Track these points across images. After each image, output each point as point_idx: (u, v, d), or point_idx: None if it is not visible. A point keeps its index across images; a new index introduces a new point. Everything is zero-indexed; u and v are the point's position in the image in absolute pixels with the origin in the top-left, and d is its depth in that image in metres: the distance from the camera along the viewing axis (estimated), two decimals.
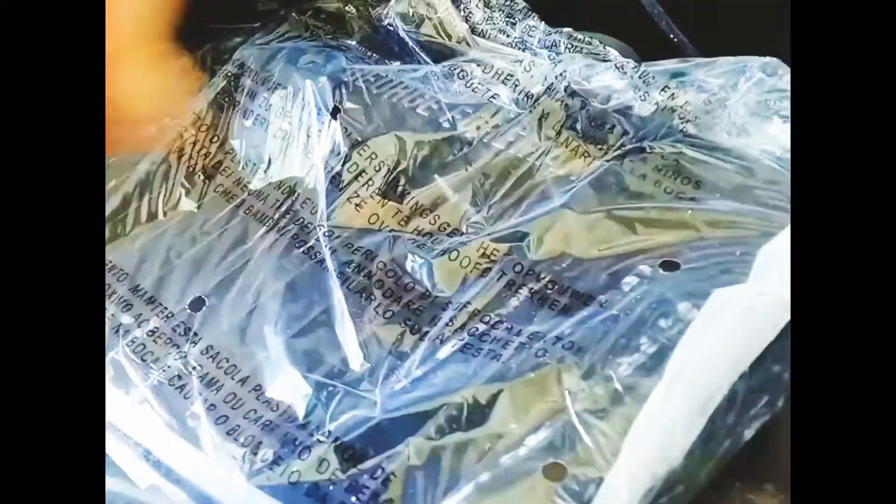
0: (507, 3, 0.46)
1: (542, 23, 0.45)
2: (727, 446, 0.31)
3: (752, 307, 0.31)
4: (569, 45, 0.44)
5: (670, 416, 0.29)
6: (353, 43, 0.46)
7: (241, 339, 0.34)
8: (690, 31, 0.45)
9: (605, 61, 0.41)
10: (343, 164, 0.38)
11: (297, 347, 0.33)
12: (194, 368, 0.33)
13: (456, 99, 0.41)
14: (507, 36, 0.45)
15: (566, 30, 0.45)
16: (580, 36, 0.44)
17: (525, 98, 0.40)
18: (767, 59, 0.40)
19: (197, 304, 0.35)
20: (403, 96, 0.41)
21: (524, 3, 0.46)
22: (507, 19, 0.46)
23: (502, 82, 0.41)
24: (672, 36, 0.45)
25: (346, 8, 0.47)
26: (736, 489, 0.33)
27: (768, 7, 0.45)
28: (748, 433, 0.32)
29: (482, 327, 0.33)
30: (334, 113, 0.40)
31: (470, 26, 0.46)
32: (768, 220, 0.35)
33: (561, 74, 0.40)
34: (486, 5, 0.46)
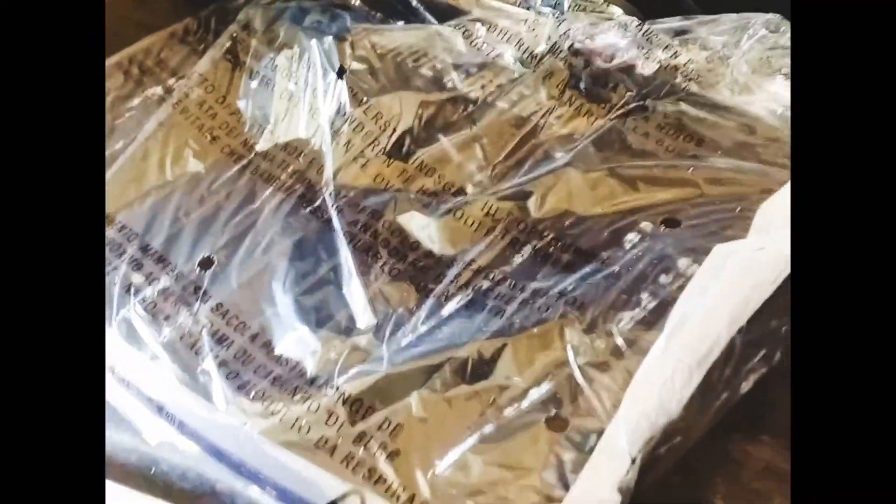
0: None
1: None
2: (724, 398, 0.31)
3: (751, 262, 0.31)
4: (573, 4, 0.44)
5: (669, 369, 0.29)
6: (357, 2, 0.46)
7: (250, 297, 0.34)
8: None
9: (608, 20, 0.41)
10: (348, 124, 0.38)
11: (306, 304, 0.34)
12: (205, 326, 0.33)
13: (460, 59, 0.41)
14: None
15: None
16: None
17: (529, 57, 0.41)
18: (770, 15, 0.40)
19: (206, 262, 0.35)
20: (408, 56, 0.41)
21: None
22: None
23: (506, 41, 0.41)
24: None
25: None
26: (733, 440, 0.34)
27: None
28: (745, 386, 0.32)
29: (486, 284, 0.33)
30: (340, 73, 0.40)
31: None
32: (768, 176, 0.35)
33: (565, 34, 0.40)
34: None
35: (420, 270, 0.34)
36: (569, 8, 0.44)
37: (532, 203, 0.35)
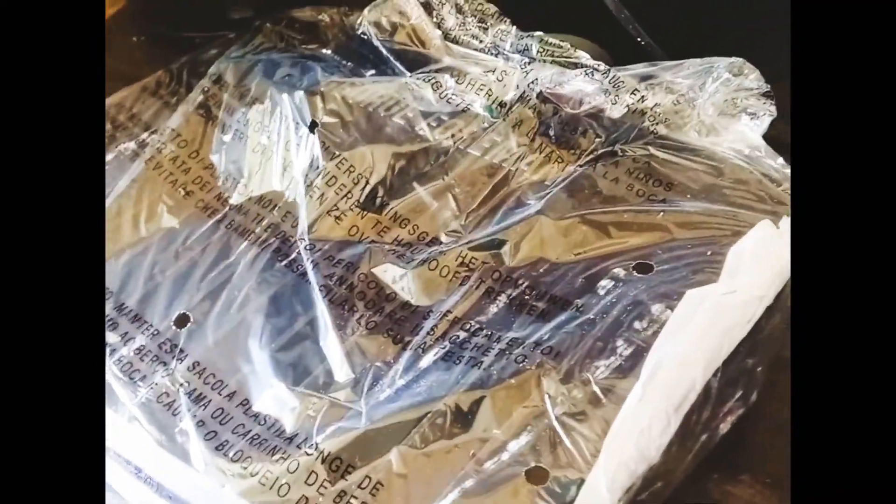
0: (479, 8, 0.46)
1: (514, 27, 0.46)
2: (703, 440, 0.32)
3: (722, 306, 0.31)
4: (540, 49, 0.44)
5: (647, 416, 0.29)
6: (328, 52, 0.46)
7: (226, 354, 0.34)
8: (658, 34, 0.46)
9: (575, 67, 0.42)
10: (322, 178, 0.38)
11: (283, 360, 0.33)
12: (182, 385, 0.33)
13: (430, 108, 0.41)
14: (480, 41, 0.45)
15: (537, 33, 0.45)
16: (551, 39, 0.45)
17: (499, 106, 0.41)
18: (733, 59, 0.41)
19: (182, 320, 0.35)
20: (378, 107, 0.41)
21: (495, 8, 0.46)
22: (479, 24, 0.46)
23: (476, 91, 0.41)
24: (640, 39, 0.45)
25: (320, 17, 0.48)
26: (713, 481, 0.34)
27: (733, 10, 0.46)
28: (724, 427, 0.33)
29: (463, 335, 0.33)
30: (312, 127, 0.40)
31: (443, 32, 0.46)
32: (737, 218, 0.35)
33: (533, 82, 0.41)
34: (459, 11, 0.46)
35: (397, 322, 0.34)
36: (538, 53, 0.44)
37: (506, 251, 0.35)
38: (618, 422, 0.29)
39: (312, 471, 0.30)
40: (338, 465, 0.30)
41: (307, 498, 0.29)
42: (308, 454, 0.30)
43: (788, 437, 0.30)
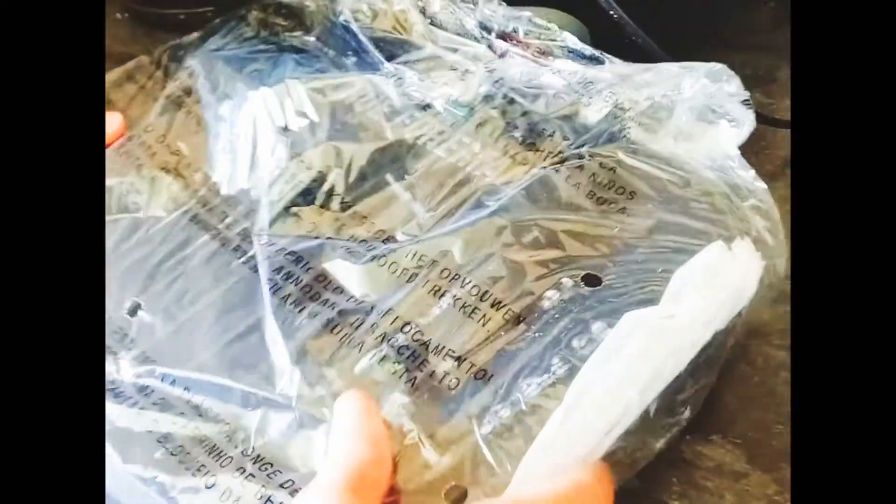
0: None
1: (502, 7, 0.44)
2: (636, 457, 0.31)
3: (661, 329, 0.31)
4: (527, 31, 0.43)
5: (570, 437, 0.29)
6: (312, 39, 0.46)
7: (174, 347, 0.34)
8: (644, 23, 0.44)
9: (544, 66, 0.40)
10: (283, 176, 0.38)
11: (229, 356, 0.33)
12: (126, 373, 0.33)
13: (394, 106, 0.40)
14: (465, 26, 0.44)
15: (526, 13, 0.44)
16: (538, 20, 0.44)
17: (463, 106, 0.40)
18: (712, 64, 0.40)
19: (134, 309, 0.35)
20: (342, 106, 0.40)
21: None
22: (465, 5, 0.45)
23: (439, 90, 0.40)
24: (612, 13, 0.44)
25: (306, 3, 0.47)
26: (685, 442, 0.35)
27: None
28: (659, 445, 0.32)
29: (401, 338, 0.32)
30: (283, 128, 0.40)
31: (429, 17, 0.45)
32: (694, 236, 0.34)
33: (499, 81, 0.40)
34: None
35: (340, 315, 0.34)
36: (524, 35, 0.43)
37: (457, 251, 0.35)
38: (538, 442, 0.28)
39: (241, 467, 0.30)
40: (266, 467, 0.30)
41: (231, 490, 0.29)
42: (244, 455, 0.30)
43: (758, 400, 0.34)
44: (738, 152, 0.38)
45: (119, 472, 0.31)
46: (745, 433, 0.35)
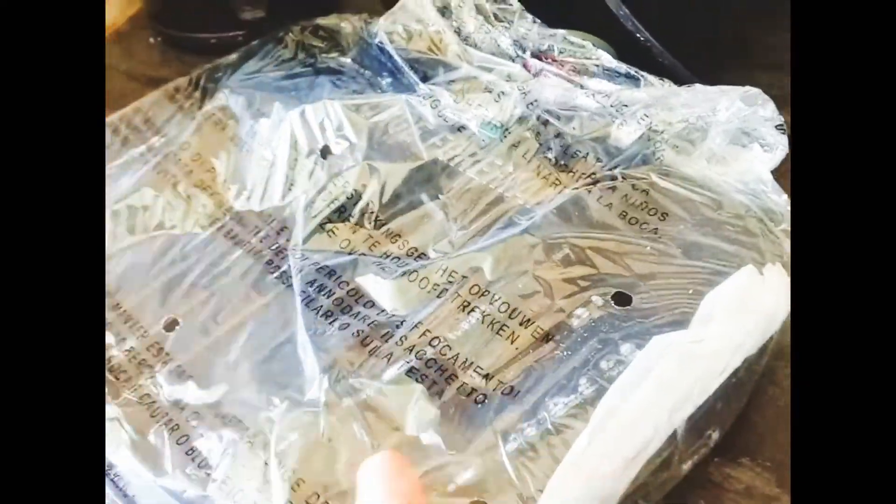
0: (501, 7, 0.45)
1: (536, 25, 0.44)
2: (664, 478, 0.31)
3: (690, 354, 0.30)
4: (562, 49, 0.43)
5: (596, 461, 0.28)
6: (348, 60, 0.46)
7: (210, 360, 0.34)
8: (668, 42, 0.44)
9: (581, 88, 0.41)
10: (320, 193, 0.38)
11: (265, 365, 0.34)
12: (162, 388, 0.34)
13: (428, 127, 0.41)
14: (500, 45, 0.45)
15: (560, 32, 0.44)
16: (574, 39, 0.44)
17: (497, 127, 0.40)
18: (747, 88, 0.39)
19: (171, 324, 0.36)
20: (378, 127, 0.41)
21: (519, 5, 0.45)
22: (500, 23, 0.45)
23: (474, 111, 0.41)
24: (639, 36, 0.43)
25: (342, 24, 0.48)
26: (714, 464, 0.34)
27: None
28: (685, 468, 0.32)
29: (430, 351, 0.32)
30: (324, 153, 0.40)
31: (463, 37, 0.45)
32: (726, 259, 0.34)
33: (533, 103, 0.40)
34: (479, 11, 0.45)
35: (371, 327, 0.34)
36: (559, 53, 0.43)
37: (487, 267, 0.35)
38: (564, 464, 0.28)
39: (269, 481, 0.30)
40: (288, 476, 0.30)
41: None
42: (266, 463, 0.30)
43: (787, 422, 0.32)
44: (771, 177, 0.38)
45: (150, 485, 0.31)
46: (774, 456, 0.35)
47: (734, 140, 0.39)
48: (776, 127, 0.39)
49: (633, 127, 0.40)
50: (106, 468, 0.32)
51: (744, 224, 0.36)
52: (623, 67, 0.43)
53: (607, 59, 0.43)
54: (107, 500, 0.31)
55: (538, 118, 0.39)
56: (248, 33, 0.52)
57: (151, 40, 0.59)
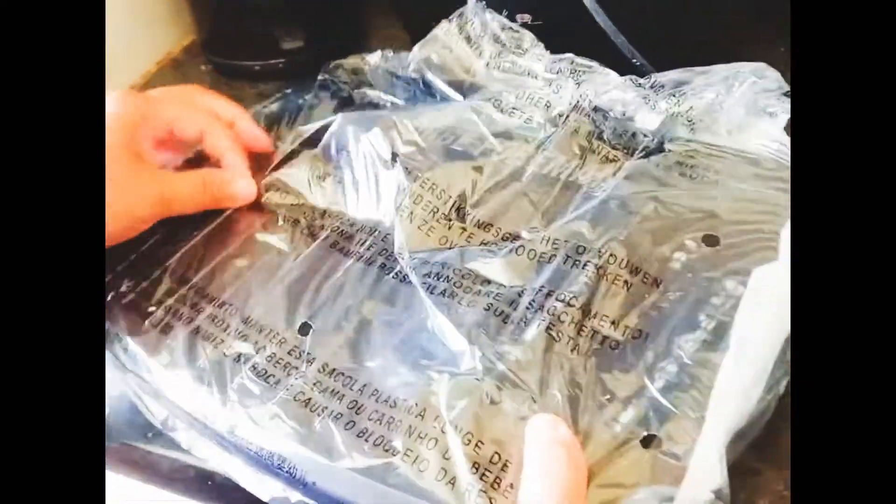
0: (516, 35, 0.50)
1: (548, 51, 0.49)
2: (776, 392, 0.35)
3: (785, 280, 0.35)
4: (572, 70, 0.48)
5: (741, 383, 0.33)
6: (379, 93, 0.51)
7: (351, 354, 0.36)
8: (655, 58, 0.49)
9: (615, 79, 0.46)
10: (410, 199, 0.41)
11: (404, 350, 0.36)
12: (315, 384, 0.35)
13: (496, 126, 0.45)
14: (518, 67, 0.49)
15: (568, 55, 0.49)
16: (582, 61, 0.48)
17: (557, 116, 0.45)
18: (757, 63, 0.45)
19: (304, 328, 0.38)
20: (448, 131, 0.45)
21: (531, 34, 0.49)
22: (516, 51, 0.50)
23: (535, 105, 0.45)
24: (635, 60, 0.49)
25: (363, 64, 0.51)
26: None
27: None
28: (782, 386, 0.35)
29: (559, 306, 0.35)
30: (393, 158, 0.43)
31: (484, 62, 0.50)
32: (778, 203, 0.39)
33: (583, 94, 0.44)
34: (496, 41, 0.50)
35: (497, 300, 0.36)
36: (570, 73, 0.48)
37: (585, 229, 0.38)
38: (716, 389, 0.32)
39: (447, 447, 0.32)
40: (469, 439, 0.32)
41: (445, 470, 0.31)
42: (440, 431, 0.32)
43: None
44: (786, 134, 0.44)
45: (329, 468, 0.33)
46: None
47: (749, 111, 0.45)
48: (783, 94, 0.45)
49: (664, 106, 0.45)
50: (278, 463, 0.34)
51: (781, 175, 0.41)
52: (638, 79, 0.48)
53: (615, 77, 0.48)
54: (282, 492, 0.34)
55: (589, 104, 0.44)
56: (288, 61, 0.56)
57: (203, 67, 0.65)
